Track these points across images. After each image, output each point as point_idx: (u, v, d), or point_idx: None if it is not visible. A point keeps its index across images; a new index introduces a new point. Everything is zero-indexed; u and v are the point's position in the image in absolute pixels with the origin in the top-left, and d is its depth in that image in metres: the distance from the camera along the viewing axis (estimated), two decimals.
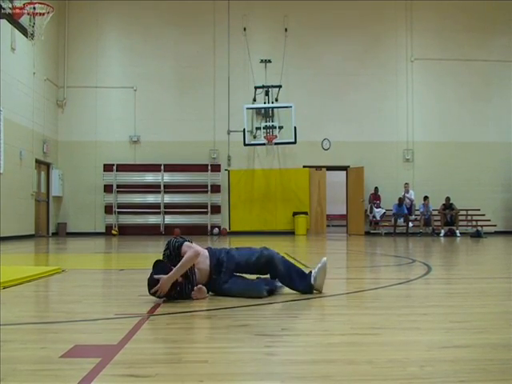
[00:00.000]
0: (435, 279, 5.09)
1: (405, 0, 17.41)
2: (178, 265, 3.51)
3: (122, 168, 16.64)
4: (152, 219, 16.62)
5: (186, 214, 16.65)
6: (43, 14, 10.58)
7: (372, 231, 17.04)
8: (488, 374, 2.00)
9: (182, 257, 3.54)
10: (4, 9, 10.10)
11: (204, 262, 3.73)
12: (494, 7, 17.43)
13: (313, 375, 2.00)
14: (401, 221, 16.42)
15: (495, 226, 16.64)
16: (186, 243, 3.66)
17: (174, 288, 3.48)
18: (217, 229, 16.79)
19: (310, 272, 3.86)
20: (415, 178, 17.13)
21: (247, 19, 17.09)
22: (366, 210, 16.98)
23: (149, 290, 3.51)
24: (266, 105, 15.56)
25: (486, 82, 17.47)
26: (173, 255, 3.61)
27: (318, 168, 17.22)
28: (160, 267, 3.54)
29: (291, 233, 16.65)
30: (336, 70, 17.13)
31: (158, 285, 3.45)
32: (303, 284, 3.80)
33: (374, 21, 17.36)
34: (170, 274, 3.47)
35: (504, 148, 17.38)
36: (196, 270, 3.66)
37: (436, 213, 16.30)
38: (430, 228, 16.31)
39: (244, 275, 3.89)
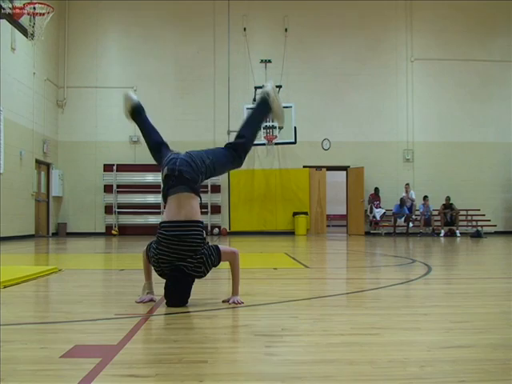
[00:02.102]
0: (435, 279, 5.09)
1: (405, 0, 17.42)
2: (234, 277, 3.52)
3: (122, 168, 16.64)
4: (152, 219, 16.60)
5: None
6: (43, 14, 10.57)
7: (372, 231, 17.05)
8: (488, 374, 2.00)
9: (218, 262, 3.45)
10: (4, 9, 10.09)
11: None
12: (494, 7, 17.43)
13: (313, 375, 2.00)
14: (401, 221, 16.43)
15: (495, 226, 16.65)
16: (221, 248, 3.45)
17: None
18: (217, 229, 16.79)
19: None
20: (415, 178, 17.14)
21: (247, 19, 17.09)
22: (366, 210, 16.98)
23: (183, 302, 3.38)
24: None
25: (486, 82, 17.47)
26: (210, 265, 3.38)
27: (318, 168, 17.22)
28: (186, 285, 3.38)
29: (291, 233, 16.65)
30: (336, 70, 17.14)
31: (239, 301, 3.45)
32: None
33: (374, 21, 17.37)
34: (236, 289, 3.51)
35: (504, 148, 17.39)
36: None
37: (436, 213, 16.31)
38: (430, 228, 16.32)
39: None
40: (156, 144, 3.89)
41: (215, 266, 3.43)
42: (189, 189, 3.43)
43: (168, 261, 3.30)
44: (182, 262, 3.29)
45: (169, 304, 3.34)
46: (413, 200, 16.47)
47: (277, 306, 3.47)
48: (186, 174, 3.43)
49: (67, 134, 16.73)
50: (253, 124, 3.89)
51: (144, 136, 4.00)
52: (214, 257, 3.37)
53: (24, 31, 11.14)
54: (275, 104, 3.81)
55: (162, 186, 3.59)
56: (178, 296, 3.34)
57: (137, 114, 4.03)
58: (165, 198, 3.51)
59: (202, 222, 3.44)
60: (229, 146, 3.78)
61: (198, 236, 3.36)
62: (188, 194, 3.42)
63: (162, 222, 3.43)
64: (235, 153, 3.74)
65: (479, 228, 15.66)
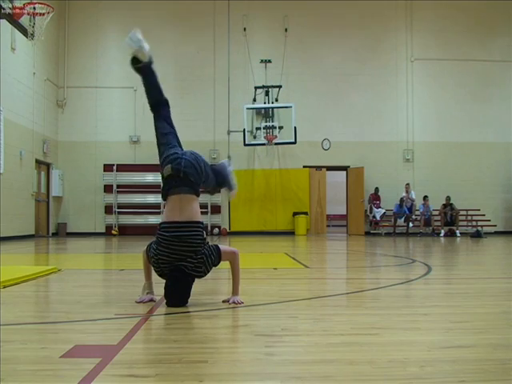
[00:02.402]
0: (435, 279, 5.09)
1: (405, 0, 17.42)
2: (234, 276, 3.52)
3: (122, 168, 16.63)
4: (152, 219, 16.60)
5: None
6: (43, 14, 10.57)
7: (372, 231, 17.05)
8: (488, 374, 2.00)
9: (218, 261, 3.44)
10: (4, 9, 10.09)
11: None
12: (494, 8, 17.43)
13: (313, 375, 2.00)
14: (401, 221, 16.43)
15: (495, 226, 16.65)
16: (221, 247, 3.45)
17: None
18: (217, 229, 16.79)
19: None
20: (415, 178, 17.14)
21: (247, 19, 17.09)
22: (366, 210, 16.98)
23: (183, 302, 3.37)
24: (266, 105, 15.56)
25: (486, 82, 17.47)
26: (210, 264, 3.38)
27: (318, 168, 17.22)
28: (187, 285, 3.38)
29: (291, 233, 16.65)
30: (336, 70, 17.14)
31: (239, 301, 3.45)
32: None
33: (374, 21, 17.37)
34: (236, 289, 3.51)
35: (504, 148, 17.39)
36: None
37: (436, 213, 16.31)
38: (430, 228, 16.32)
39: None
40: (156, 102, 3.84)
41: (215, 265, 3.43)
42: (192, 190, 3.44)
43: (168, 261, 3.30)
44: (182, 262, 3.29)
45: (169, 304, 3.34)
46: (413, 200, 16.48)
47: (277, 306, 3.47)
48: (191, 176, 3.43)
49: (67, 134, 16.73)
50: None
51: (145, 89, 3.98)
52: (215, 256, 3.37)
53: (24, 31, 11.13)
54: (231, 177, 4.04)
55: (162, 184, 3.57)
56: (178, 296, 3.34)
57: (144, 67, 3.91)
58: (165, 197, 3.50)
59: (202, 223, 3.45)
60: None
61: (199, 236, 3.35)
62: (190, 196, 3.43)
63: (162, 223, 3.41)
64: (219, 182, 3.93)
65: (479, 228, 15.66)
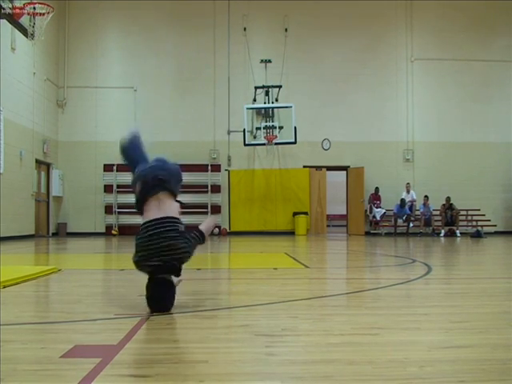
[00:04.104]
0: (435, 279, 5.09)
1: (405, 0, 17.42)
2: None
3: (122, 168, 16.59)
4: None
5: (186, 214, 16.46)
6: (43, 14, 10.59)
7: (372, 231, 17.05)
8: (488, 374, 2.00)
9: None
10: (4, 9, 10.09)
11: None
12: (494, 7, 17.43)
13: (313, 375, 2.00)
14: (401, 221, 16.43)
15: (495, 226, 16.64)
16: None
17: None
18: (217, 229, 16.77)
19: None
20: (415, 178, 17.13)
21: (247, 19, 17.09)
22: (366, 210, 16.98)
23: (168, 307, 3.22)
24: (266, 105, 15.55)
25: (486, 82, 17.46)
26: (190, 237, 3.32)
27: (318, 168, 17.22)
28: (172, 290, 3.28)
29: (291, 233, 16.65)
30: (336, 70, 17.14)
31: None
32: None
33: (374, 21, 17.36)
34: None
35: (504, 148, 17.38)
36: None
37: (436, 213, 16.31)
38: (430, 228, 16.31)
39: None
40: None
41: (200, 239, 3.38)
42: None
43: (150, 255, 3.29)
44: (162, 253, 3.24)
45: (153, 309, 3.17)
46: (414, 200, 16.48)
47: (277, 306, 3.47)
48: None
49: (67, 134, 16.73)
50: None
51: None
52: (195, 234, 3.36)
53: (24, 31, 11.14)
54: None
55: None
56: (162, 301, 3.19)
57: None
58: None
59: (178, 219, 3.40)
60: None
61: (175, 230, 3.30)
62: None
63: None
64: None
65: (479, 228, 15.65)
